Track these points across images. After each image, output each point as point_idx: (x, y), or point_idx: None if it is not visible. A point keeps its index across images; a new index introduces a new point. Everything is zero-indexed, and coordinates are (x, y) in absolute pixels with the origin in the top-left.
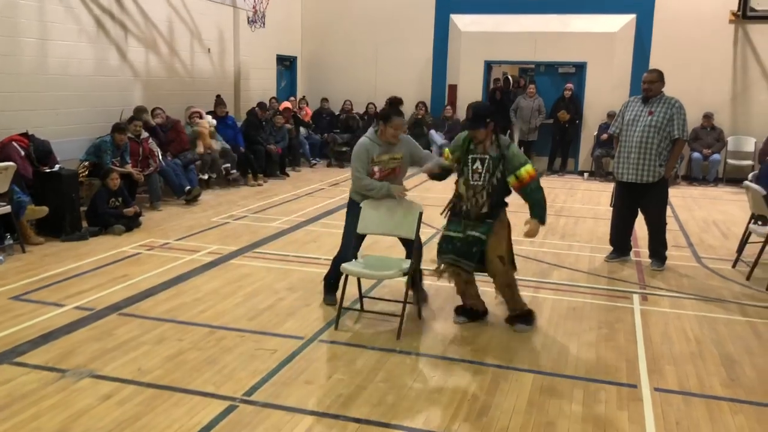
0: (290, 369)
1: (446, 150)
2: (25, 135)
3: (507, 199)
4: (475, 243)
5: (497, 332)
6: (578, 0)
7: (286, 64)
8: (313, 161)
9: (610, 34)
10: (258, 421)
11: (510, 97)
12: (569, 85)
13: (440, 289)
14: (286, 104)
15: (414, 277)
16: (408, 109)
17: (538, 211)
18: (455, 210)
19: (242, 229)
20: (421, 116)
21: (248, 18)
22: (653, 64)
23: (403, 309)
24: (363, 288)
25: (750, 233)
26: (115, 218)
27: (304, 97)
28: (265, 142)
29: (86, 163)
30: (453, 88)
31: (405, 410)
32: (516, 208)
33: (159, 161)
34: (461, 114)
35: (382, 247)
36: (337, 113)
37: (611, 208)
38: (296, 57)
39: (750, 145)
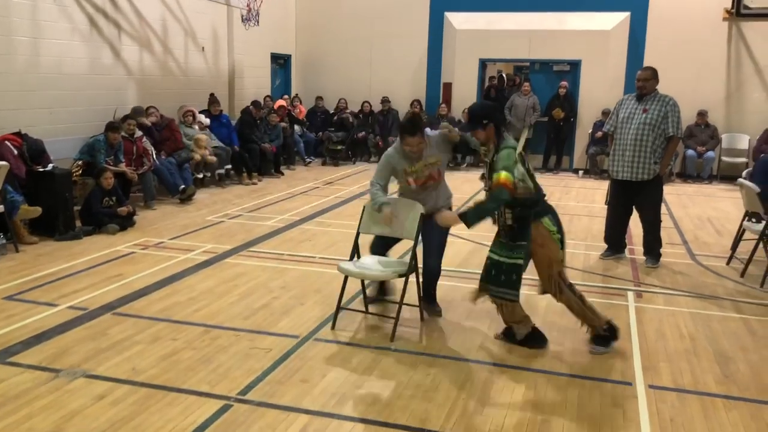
0: (285, 368)
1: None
2: (18, 134)
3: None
4: (513, 270)
5: (492, 331)
6: None
7: (281, 63)
8: (308, 160)
9: (604, 32)
10: (253, 420)
11: (505, 95)
12: (564, 83)
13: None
14: (281, 102)
15: (415, 278)
16: (403, 107)
17: (471, 210)
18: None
19: (237, 228)
20: None
21: (242, 16)
22: (647, 61)
23: (399, 310)
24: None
25: (744, 230)
26: (109, 217)
27: (297, 95)
28: (259, 140)
29: (80, 162)
30: (448, 86)
31: (400, 409)
32: None
33: (153, 160)
34: (456, 112)
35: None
36: (331, 112)
37: (606, 206)
38: (290, 55)
39: (744, 142)
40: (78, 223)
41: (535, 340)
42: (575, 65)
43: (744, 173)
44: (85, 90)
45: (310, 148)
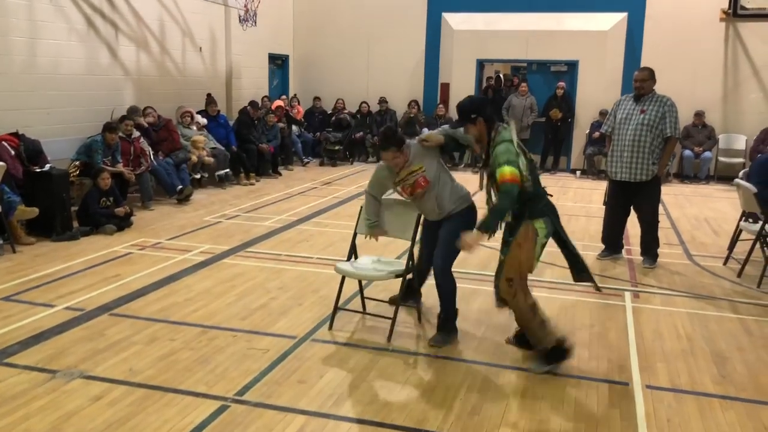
0: (282, 368)
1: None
2: (15, 134)
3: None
4: (500, 268)
5: (489, 331)
6: None
7: (278, 63)
8: (306, 160)
9: (601, 33)
10: (250, 420)
11: (502, 95)
12: (561, 84)
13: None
14: (279, 103)
15: (411, 281)
16: (400, 107)
17: (487, 218)
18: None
19: (234, 229)
20: (413, 115)
21: (240, 17)
22: (644, 62)
23: (395, 311)
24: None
25: (741, 231)
26: (107, 218)
27: (295, 95)
28: (257, 140)
29: (77, 163)
30: (445, 87)
31: (397, 409)
32: None
33: (150, 160)
34: (454, 113)
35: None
36: (329, 112)
37: (603, 207)
38: (288, 56)
39: (741, 142)
40: (75, 224)
41: (555, 356)
42: (573, 66)
43: (741, 173)
44: (83, 90)
45: (308, 148)
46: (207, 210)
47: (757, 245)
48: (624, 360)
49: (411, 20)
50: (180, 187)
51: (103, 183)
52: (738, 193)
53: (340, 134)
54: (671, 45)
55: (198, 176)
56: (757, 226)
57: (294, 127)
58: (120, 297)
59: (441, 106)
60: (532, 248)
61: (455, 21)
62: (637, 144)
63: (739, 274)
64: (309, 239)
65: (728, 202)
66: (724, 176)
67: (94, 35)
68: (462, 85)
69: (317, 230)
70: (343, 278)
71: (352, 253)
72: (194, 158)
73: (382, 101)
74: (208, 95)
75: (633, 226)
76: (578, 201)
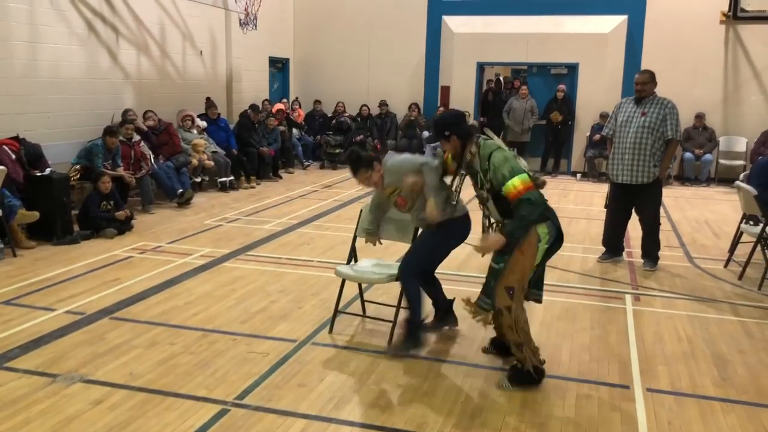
0: (283, 372)
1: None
2: (15, 138)
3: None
4: (493, 275)
5: (490, 334)
6: (570, 1)
7: (279, 66)
8: (306, 163)
9: (601, 35)
10: (250, 424)
11: (502, 98)
12: (562, 86)
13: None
14: (279, 106)
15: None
16: (401, 110)
17: (511, 224)
18: None
19: (235, 232)
20: (414, 118)
21: (240, 20)
22: (645, 64)
23: (396, 314)
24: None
25: (742, 233)
26: (107, 222)
27: (297, 98)
28: (257, 144)
29: (78, 167)
30: (446, 90)
31: (398, 412)
32: None
33: (151, 164)
34: None
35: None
36: (329, 115)
37: (605, 209)
38: (288, 59)
39: (741, 145)
40: (76, 228)
41: (531, 378)
42: (573, 68)
43: (741, 176)
44: (83, 94)
45: (309, 151)
46: (207, 213)
47: (758, 248)
48: (624, 363)
49: (411, 23)
50: (180, 190)
51: (104, 187)
52: (738, 196)
53: (341, 137)
54: (671, 47)
55: (198, 180)
56: (758, 229)
57: (294, 131)
58: (120, 301)
59: (441, 109)
60: (534, 255)
61: (455, 24)
62: (639, 146)
63: (740, 277)
64: (309, 242)
65: (729, 204)
66: (725, 178)
67: (94, 39)
68: (462, 88)
69: (318, 233)
70: (343, 281)
71: (352, 256)
72: (195, 162)
73: (383, 104)
74: (207, 99)
75: (634, 228)
76: (579, 204)
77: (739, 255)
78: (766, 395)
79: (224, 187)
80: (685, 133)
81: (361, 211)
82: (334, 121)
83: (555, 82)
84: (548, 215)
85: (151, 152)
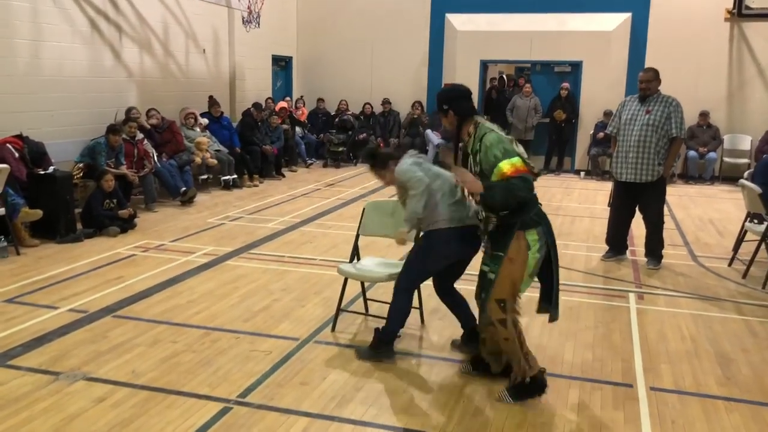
0: (285, 370)
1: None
2: (19, 136)
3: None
4: (483, 283)
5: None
6: None
7: (282, 65)
8: (309, 161)
9: (605, 33)
10: (252, 422)
11: (506, 96)
12: (565, 84)
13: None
14: (282, 104)
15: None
16: (404, 108)
17: (495, 183)
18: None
19: (238, 230)
20: (417, 116)
21: (243, 18)
22: (649, 62)
23: None
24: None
25: (746, 231)
26: (110, 220)
27: (301, 97)
28: (260, 142)
29: (81, 165)
30: None
31: (400, 411)
32: None
33: (154, 162)
34: None
35: (380, 246)
36: (332, 113)
37: (608, 208)
38: (292, 57)
39: (746, 143)
40: (79, 226)
41: (531, 389)
42: (576, 66)
43: (746, 174)
44: (86, 92)
45: (312, 149)
46: (210, 212)
47: (762, 246)
48: (628, 361)
49: (414, 21)
50: (183, 188)
51: (107, 185)
52: (743, 194)
53: (344, 135)
54: (675, 45)
55: (205, 177)
56: (762, 227)
57: (297, 129)
58: (123, 299)
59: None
60: (525, 263)
61: (459, 22)
62: (643, 144)
63: (744, 275)
64: (312, 241)
65: (733, 202)
66: (729, 177)
67: (97, 37)
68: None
69: (320, 232)
70: (346, 280)
71: (355, 254)
72: (198, 160)
73: (386, 102)
74: (210, 97)
75: (637, 227)
76: (582, 202)
77: (743, 253)
78: None
79: (227, 186)
80: (689, 131)
81: (364, 209)
82: (337, 120)
83: (558, 80)
84: (540, 221)
85: (154, 150)
